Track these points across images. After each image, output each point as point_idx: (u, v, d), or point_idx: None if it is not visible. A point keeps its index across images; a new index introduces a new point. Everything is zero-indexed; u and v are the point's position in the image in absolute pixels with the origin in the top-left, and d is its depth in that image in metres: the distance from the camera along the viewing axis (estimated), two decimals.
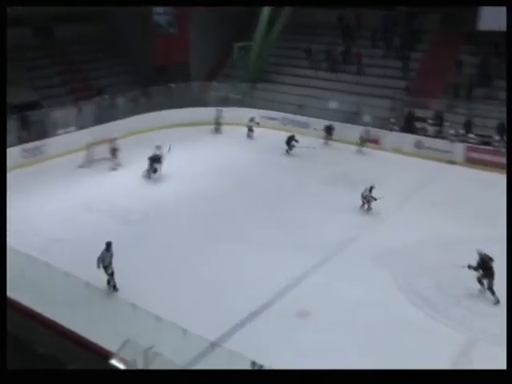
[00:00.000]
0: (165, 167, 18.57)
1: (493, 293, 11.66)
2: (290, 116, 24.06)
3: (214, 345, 9.29)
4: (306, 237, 14.26)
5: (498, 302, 11.60)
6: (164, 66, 27.23)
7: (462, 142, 20.60)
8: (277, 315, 11.01)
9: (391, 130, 22.16)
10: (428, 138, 21.28)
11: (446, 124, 21.47)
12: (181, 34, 27.86)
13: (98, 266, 11.40)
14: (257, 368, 8.30)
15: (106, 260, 11.45)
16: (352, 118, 23.07)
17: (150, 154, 18.58)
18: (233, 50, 27.17)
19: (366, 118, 22.75)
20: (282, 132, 23.04)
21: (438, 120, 21.78)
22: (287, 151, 21.41)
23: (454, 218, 15.23)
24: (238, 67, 27.38)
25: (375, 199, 15.77)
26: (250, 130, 23.65)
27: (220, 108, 24.38)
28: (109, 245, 11.49)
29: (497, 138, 20.32)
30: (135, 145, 20.91)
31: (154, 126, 23.56)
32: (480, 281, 11.92)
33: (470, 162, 20.02)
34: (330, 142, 22.39)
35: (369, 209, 16.09)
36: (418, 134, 21.63)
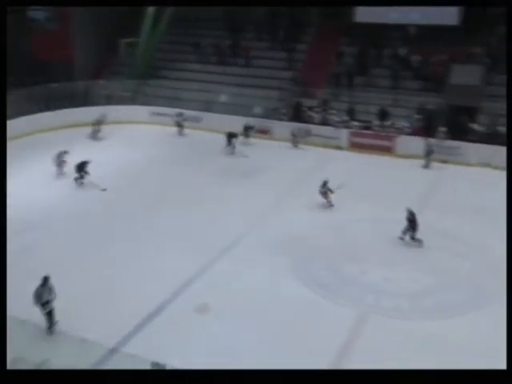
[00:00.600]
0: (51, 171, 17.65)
1: (415, 240, 13.60)
2: (182, 112, 23.74)
3: (112, 350, 8.97)
4: (202, 231, 14.15)
5: (421, 243, 13.52)
6: (46, 65, 25.64)
7: (346, 128, 21.60)
8: (177, 312, 10.83)
9: (280, 119, 22.64)
10: (316, 126, 22.02)
11: (332, 112, 22.40)
12: (61, 30, 26.37)
13: (35, 303, 9.87)
14: (160, 368, 8.13)
15: (43, 297, 9.91)
16: (242, 110, 23.25)
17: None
18: (120, 46, 26.29)
19: (257, 110, 23.07)
20: (174, 128, 22.84)
21: (324, 108, 22.67)
22: (228, 147, 20.69)
23: (347, 200, 15.75)
24: (125, 64, 26.53)
25: (332, 192, 15.50)
26: (180, 125, 23.00)
27: (104, 107, 23.42)
28: (46, 279, 9.95)
29: (377, 122, 21.62)
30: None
31: (36, 129, 22.11)
32: (404, 233, 13.69)
33: (354, 146, 21.04)
34: (249, 141, 21.77)
35: (329, 203, 15.66)
36: (306, 123, 22.33)
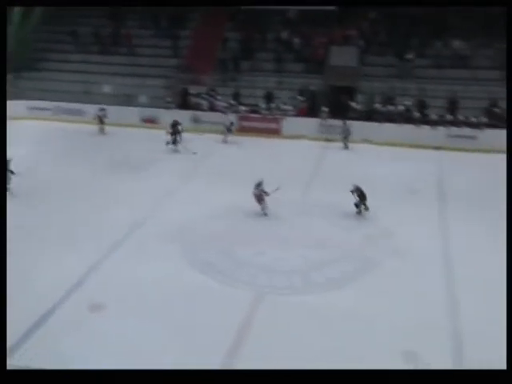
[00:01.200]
0: None
1: (367, 208, 14.14)
2: (63, 105, 22.27)
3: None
4: (91, 227, 13.25)
5: (367, 208, 14.09)
6: None
7: (234, 112, 21.49)
8: (71, 314, 10.00)
9: (168, 108, 21.99)
10: (204, 113, 21.73)
11: (219, 97, 22.18)
12: None
13: None
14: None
15: None
16: (128, 100, 22.33)
17: None
18: None
19: (142, 99, 22.29)
20: (56, 123, 21.37)
21: (211, 94, 22.38)
22: (171, 143, 19.19)
23: (239, 185, 15.24)
24: None
25: (268, 194, 13.73)
26: (101, 122, 21.13)
27: None
28: None
29: (263, 106, 21.76)
30: None
31: None
32: (357, 205, 14.09)
33: (243, 130, 20.92)
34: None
35: (263, 210, 13.91)
36: (194, 110, 21.93)
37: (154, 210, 14.46)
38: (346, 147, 19.93)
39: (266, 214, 13.90)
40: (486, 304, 9.90)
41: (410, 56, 22.12)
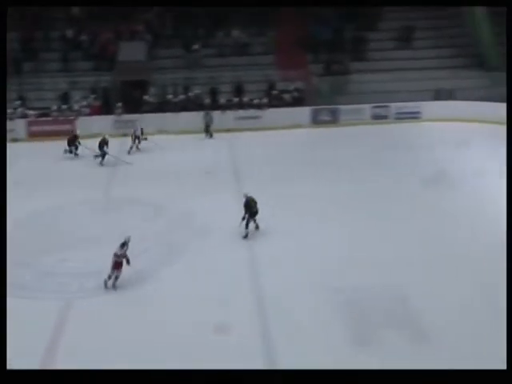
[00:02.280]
0: None
1: (246, 227, 12.60)
2: None
3: None
4: None
5: (257, 227, 12.72)
6: None
7: (22, 117, 19.66)
8: None
9: None
10: None
11: None
12: None
13: None
14: None
15: None
16: None
17: None
18: None
19: None
20: None
21: None
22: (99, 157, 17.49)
23: (39, 192, 14.64)
24: None
25: (128, 262, 11.08)
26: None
27: None
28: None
29: (55, 107, 20.21)
30: None
31: None
32: (245, 219, 12.50)
33: (33, 135, 19.34)
34: None
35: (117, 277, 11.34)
36: None
37: None
38: (211, 136, 19.89)
39: (114, 287, 10.97)
40: (283, 274, 10.88)
41: (196, 47, 22.55)
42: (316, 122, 20.87)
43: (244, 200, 12.75)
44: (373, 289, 10.85)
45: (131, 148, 18.52)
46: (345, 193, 14.67)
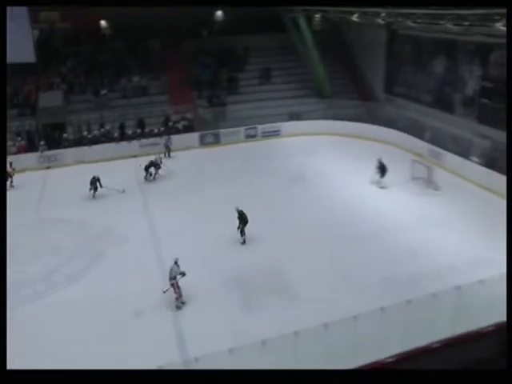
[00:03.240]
0: None
1: (242, 234, 15.03)
2: None
3: None
4: None
5: (244, 242, 15.14)
6: None
7: None
8: None
9: None
10: None
11: None
12: None
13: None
14: None
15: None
16: None
17: None
18: None
19: None
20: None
21: None
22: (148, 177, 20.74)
23: None
24: None
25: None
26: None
27: None
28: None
29: None
30: None
31: None
32: (239, 228, 15.04)
33: None
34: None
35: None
36: None
37: None
38: (170, 156, 23.93)
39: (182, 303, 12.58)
40: (186, 267, 12.61)
41: (104, 92, 26.46)
42: (203, 143, 25.35)
43: (237, 213, 15.13)
44: (256, 264, 13.79)
45: (155, 174, 21.40)
46: (232, 193, 18.35)
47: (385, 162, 19.67)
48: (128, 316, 11.86)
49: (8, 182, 20.14)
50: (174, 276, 12.17)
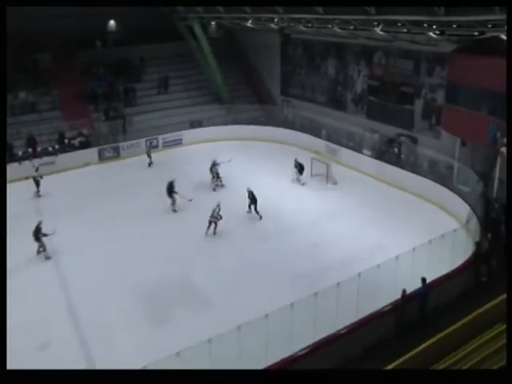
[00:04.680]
0: None
1: (257, 212, 17.69)
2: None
3: None
4: None
5: (261, 217, 17.56)
6: None
7: None
8: None
9: None
10: None
11: None
12: None
13: None
14: None
15: None
16: None
17: None
18: None
19: None
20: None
21: None
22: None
23: None
24: None
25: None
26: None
27: None
28: None
29: None
30: None
31: None
32: (249, 207, 17.81)
33: None
34: None
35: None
36: None
37: None
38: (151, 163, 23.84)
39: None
40: (90, 283, 13.06)
41: None
42: (102, 158, 24.48)
43: (247, 193, 17.73)
44: (166, 278, 13.67)
45: (216, 186, 21.22)
46: (133, 207, 18.36)
47: (285, 160, 20.52)
48: (32, 348, 11.23)
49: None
50: (215, 216, 16.12)
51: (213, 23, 25.87)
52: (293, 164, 20.94)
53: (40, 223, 15.99)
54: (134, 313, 12.48)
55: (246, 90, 30.14)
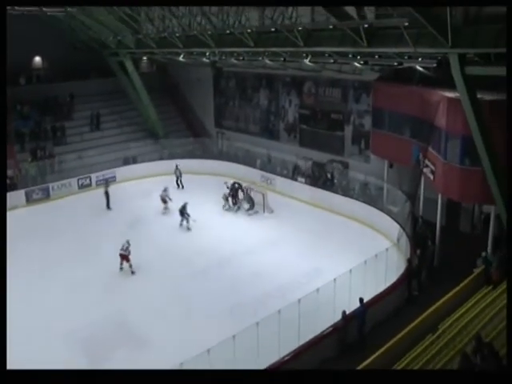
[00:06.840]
0: None
1: (249, 202, 20.15)
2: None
3: None
4: None
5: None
6: None
7: None
8: None
9: None
10: None
11: None
12: None
13: None
14: None
15: None
16: None
17: None
18: None
19: None
20: None
21: None
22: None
23: None
24: None
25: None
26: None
27: None
28: None
29: None
30: None
31: None
32: (226, 198, 20.87)
33: None
34: None
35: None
36: None
37: None
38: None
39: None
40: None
41: None
42: (30, 201, 23.39)
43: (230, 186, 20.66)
44: (101, 320, 13.22)
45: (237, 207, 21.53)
46: (66, 251, 17.67)
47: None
48: None
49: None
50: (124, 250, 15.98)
51: (144, 58, 25.95)
52: (227, 189, 21.42)
53: None
54: (70, 355, 11.86)
55: (181, 123, 30.36)
